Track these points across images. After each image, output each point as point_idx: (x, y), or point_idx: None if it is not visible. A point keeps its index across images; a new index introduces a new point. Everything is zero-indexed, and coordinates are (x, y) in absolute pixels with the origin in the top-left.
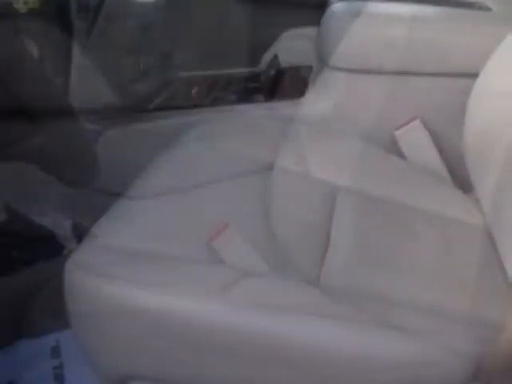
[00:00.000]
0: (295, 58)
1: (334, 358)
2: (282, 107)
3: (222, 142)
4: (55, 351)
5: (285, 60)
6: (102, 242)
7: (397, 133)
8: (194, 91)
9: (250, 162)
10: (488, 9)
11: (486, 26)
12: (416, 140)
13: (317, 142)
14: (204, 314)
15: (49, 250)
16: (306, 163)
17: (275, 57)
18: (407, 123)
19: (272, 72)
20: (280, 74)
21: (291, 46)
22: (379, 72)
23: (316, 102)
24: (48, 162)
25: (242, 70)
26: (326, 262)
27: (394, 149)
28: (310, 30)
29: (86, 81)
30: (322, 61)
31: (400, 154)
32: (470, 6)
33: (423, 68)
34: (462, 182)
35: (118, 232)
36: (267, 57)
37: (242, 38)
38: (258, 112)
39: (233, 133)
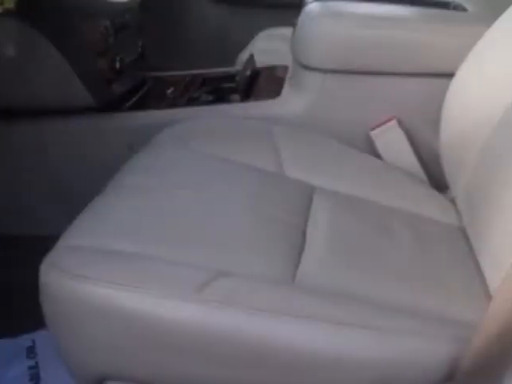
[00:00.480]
0: (271, 58)
1: (309, 357)
2: (258, 107)
3: (197, 142)
4: (31, 351)
5: (260, 60)
6: (76, 242)
7: (372, 133)
8: (169, 91)
9: (226, 161)
10: (463, 9)
11: (461, 26)
12: (392, 140)
13: (293, 142)
14: (179, 314)
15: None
16: (281, 163)
17: (251, 57)
18: (383, 123)
19: (247, 72)
20: (255, 73)
21: (267, 45)
22: (354, 72)
23: (291, 102)
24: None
25: (217, 70)
26: (301, 261)
27: (369, 149)
28: (286, 30)
29: (61, 81)
30: (298, 61)
31: (376, 154)
32: (446, 6)
33: (399, 68)
34: (438, 182)
35: (92, 232)
36: (243, 57)
37: (217, 38)
38: (233, 112)
39: (208, 133)
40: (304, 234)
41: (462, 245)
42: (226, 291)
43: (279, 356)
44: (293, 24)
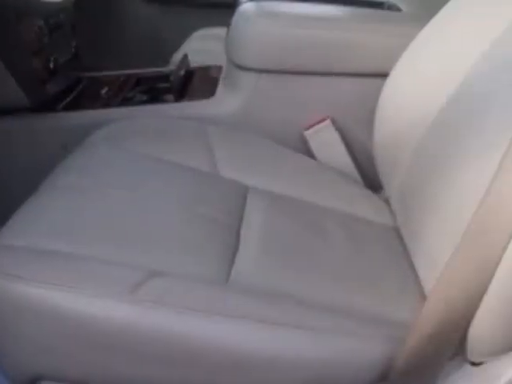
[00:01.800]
0: (205, 58)
1: (243, 357)
2: (192, 107)
3: (131, 141)
4: None
5: (195, 60)
6: (10, 242)
7: (306, 133)
8: (103, 91)
9: (159, 161)
10: (398, 9)
11: (395, 26)
12: (326, 140)
13: (227, 142)
14: (113, 314)
15: None
16: (215, 163)
17: (185, 56)
18: (317, 123)
19: (181, 72)
20: (190, 73)
21: (201, 45)
22: (289, 72)
23: (226, 102)
24: None
25: (151, 70)
26: (236, 261)
27: (304, 149)
28: (220, 30)
29: None
30: (232, 61)
31: (310, 154)
32: (380, 6)
33: (333, 68)
34: (372, 182)
35: (26, 232)
36: (177, 56)
37: (151, 38)
38: (167, 112)
39: (142, 133)
40: (238, 233)
41: (396, 245)
42: (159, 291)
43: (213, 356)
44: (227, 24)
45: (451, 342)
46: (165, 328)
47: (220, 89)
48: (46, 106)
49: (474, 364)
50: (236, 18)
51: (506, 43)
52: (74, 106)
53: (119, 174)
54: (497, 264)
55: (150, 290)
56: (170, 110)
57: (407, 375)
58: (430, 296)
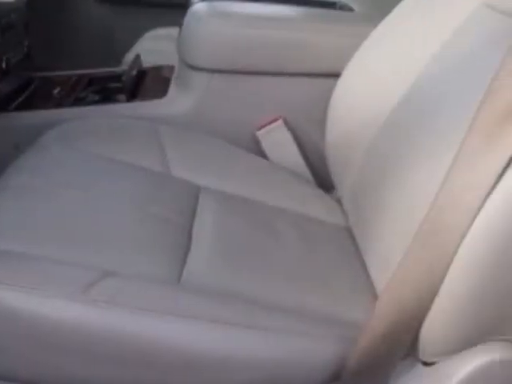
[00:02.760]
0: (157, 58)
1: (195, 357)
2: (144, 107)
3: (83, 141)
4: None
5: (147, 60)
6: None
7: (259, 133)
8: (55, 91)
9: (112, 161)
10: (350, 9)
11: (348, 26)
12: (278, 140)
13: (179, 142)
14: (65, 314)
15: None
16: (167, 163)
17: (137, 56)
18: (269, 123)
19: (134, 72)
20: (142, 73)
21: (153, 45)
22: (241, 72)
23: (178, 102)
24: None
25: (103, 70)
26: (187, 261)
27: (256, 149)
28: (172, 30)
29: None
30: (184, 61)
31: (262, 154)
32: (332, 6)
33: (285, 68)
34: (324, 182)
35: None
36: (129, 56)
37: (103, 38)
38: (120, 112)
39: (94, 133)
40: (190, 233)
41: (349, 245)
42: (112, 291)
43: (165, 356)
44: (179, 24)
45: (403, 342)
46: (117, 328)
47: (172, 89)
48: None
49: (426, 364)
50: (188, 18)
51: (455, 45)
52: (26, 105)
53: (71, 174)
54: (448, 264)
55: (102, 289)
56: (122, 109)
57: (359, 375)
58: (381, 296)
